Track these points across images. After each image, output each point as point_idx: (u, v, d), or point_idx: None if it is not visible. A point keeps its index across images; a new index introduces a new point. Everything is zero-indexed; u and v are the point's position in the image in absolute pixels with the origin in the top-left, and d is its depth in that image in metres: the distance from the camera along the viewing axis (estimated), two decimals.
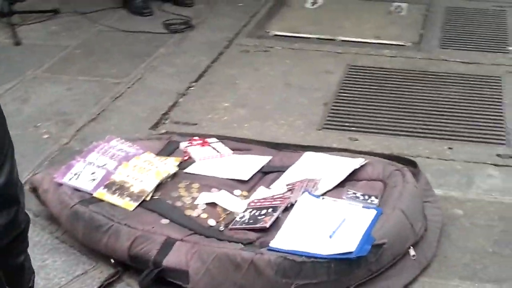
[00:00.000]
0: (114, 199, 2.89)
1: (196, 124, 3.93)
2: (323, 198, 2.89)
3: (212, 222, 2.81)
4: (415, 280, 2.76)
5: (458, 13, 5.80)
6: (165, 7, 5.81)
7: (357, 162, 3.11)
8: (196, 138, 3.39)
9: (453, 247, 2.95)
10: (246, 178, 3.08)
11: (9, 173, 1.18)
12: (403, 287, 2.71)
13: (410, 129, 3.93)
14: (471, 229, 3.07)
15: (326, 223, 2.71)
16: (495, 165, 3.57)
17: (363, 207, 2.81)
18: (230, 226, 2.78)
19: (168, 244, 2.66)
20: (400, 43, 5.14)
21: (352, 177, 3.05)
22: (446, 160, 3.62)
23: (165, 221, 2.80)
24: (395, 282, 2.69)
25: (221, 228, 2.78)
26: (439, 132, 3.90)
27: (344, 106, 4.19)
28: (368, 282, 2.62)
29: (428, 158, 3.60)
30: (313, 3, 5.88)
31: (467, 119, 4.04)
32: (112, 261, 2.77)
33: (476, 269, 2.84)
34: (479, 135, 3.86)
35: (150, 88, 4.39)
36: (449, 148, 3.73)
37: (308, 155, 3.24)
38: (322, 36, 5.20)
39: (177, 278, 2.63)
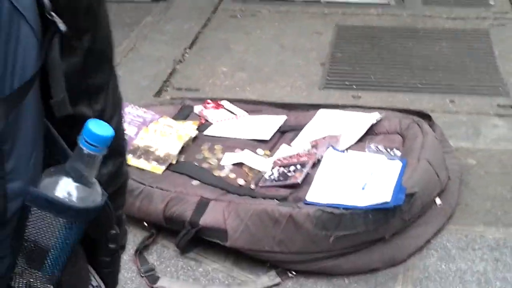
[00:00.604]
0: (141, 163, 2.90)
1: (198, 89, 3.93)
2: (347, 152, 2.93)
3: (241, 181, 2.84)
4: (442, 228, 2.83)
5: None
6: None
7: (373, 116, 3.15)
8: (209, 101, 3.39)
9: (473, 195, 3.03)
10: (267, 138, 3.11)
11: (117, 124, 1.19)
12: (433, 235, 2.78)
13: (409, 85, 3.99)
14: (486, 177, 3.15)
15: (356, 175, 2.76)
16: (498, 115, 3.65)
17: (387, 158, 2.86)
18: (260, 184, 2.80)
19: (202, 204, 2.68)
20: (384, 1, 5.17)
21: (370, 131, 3.10)
22: (450, 112, 3.69)
23: (195, 182, 2.82)
24: (426, 230, 2.76)
25: (252, 186, 2.80)
26: (438, 86, 3.97)
27: (341, 66, 4.23)
28: (401, 231, 2.68)
29: (433, 111, 3.64)
30: None
31: (463, 72, 4.11)
32: (145, 224, 2.78)
33: (498, 215, 2.92)
34: (477, 87, 3.94)
35: (145, 56, 4.37)
36: (451, 101, 3.80)
37: (322, 112, 3.27)
38: None
39: (215, 236, 2.66)
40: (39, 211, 0.99)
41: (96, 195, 1.05)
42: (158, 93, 3.90)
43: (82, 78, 1.09)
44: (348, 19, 4.87)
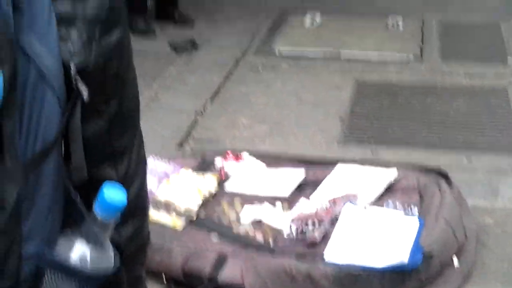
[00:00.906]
0: (162, 217, 2.94)
1: (219, 141, 3.99)
2: (365, 208, 2.97)
3: (260, 237, 2.87)
4: None
5: (452, 26, 5.91)
6: (167, 28, 5.85)
7: (391, 174, 3.18)
8: (229, 152, 3.44)
9: (491, 255, 3.04)
10: (287, 195, 3.15)
11: (140, 186, 1.18)
12: None
13: (427, 141, 4.03)
14: (504, 237, 3.17)
15: (373, 233, 2.79)
16: None
17: (405, 215, 2.90)
18: (279, 241, 2.84)
19: (221, 260, 2.72)
20: (403, 58, 5.23)
21: (388, 187, 3.14)
22: (467, 170, 3.71)
23: (215, 238, 2.86)
24: None
25: (271, 243, 2.84)
26: (455, 143, 4.01)
27: (360, 121, 4.29)
28: None
29: (450, 168, 3.67)
30: (312, 23, 5.94)
31: (480, 129, 4.15)
32: (164, 278, 2.81)
33: None
34: (495, 145, 3.97)
35: (167, 106, 4.44)
36: (468, 158, 3.82)
37: (341, 166, 3.31)
38: (328, 54, 5.27)
39: None
40: (53, 273, 1.01)
41: (109, 260, 1.06)
42: (180, 144, 3.96)
43: (108, 141, 1.09)
44: (367, 76, 4.93)
